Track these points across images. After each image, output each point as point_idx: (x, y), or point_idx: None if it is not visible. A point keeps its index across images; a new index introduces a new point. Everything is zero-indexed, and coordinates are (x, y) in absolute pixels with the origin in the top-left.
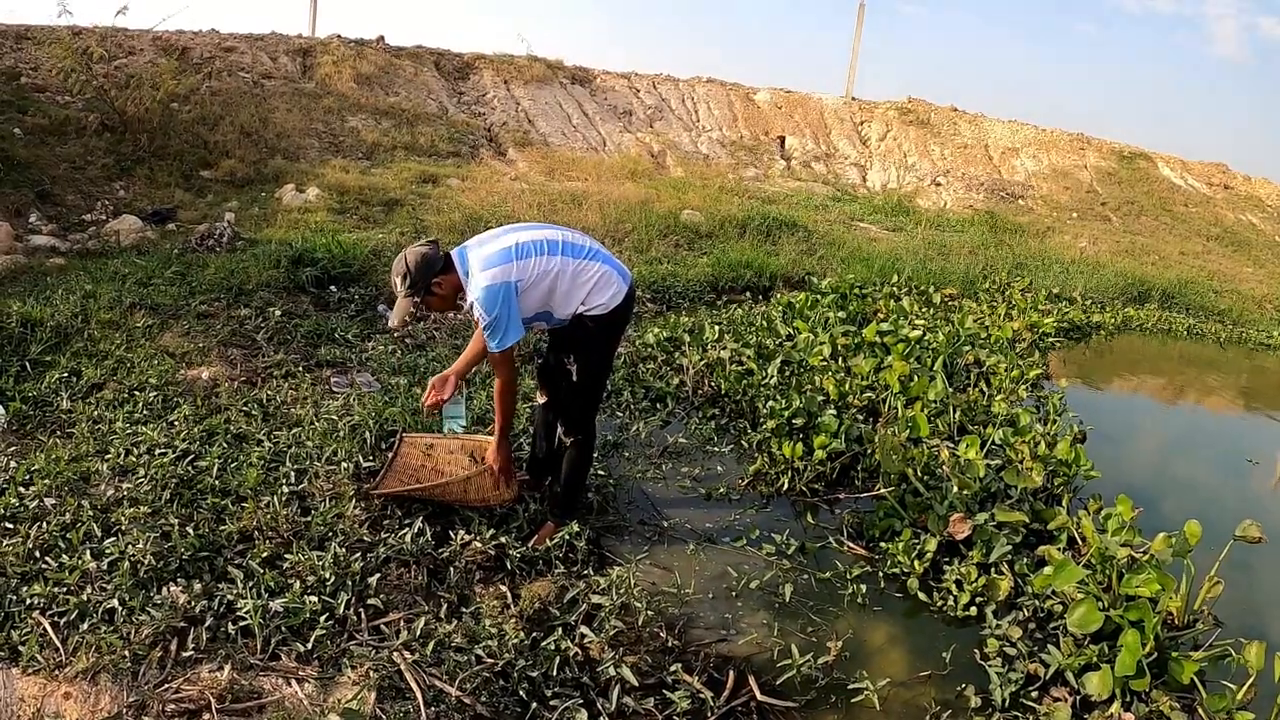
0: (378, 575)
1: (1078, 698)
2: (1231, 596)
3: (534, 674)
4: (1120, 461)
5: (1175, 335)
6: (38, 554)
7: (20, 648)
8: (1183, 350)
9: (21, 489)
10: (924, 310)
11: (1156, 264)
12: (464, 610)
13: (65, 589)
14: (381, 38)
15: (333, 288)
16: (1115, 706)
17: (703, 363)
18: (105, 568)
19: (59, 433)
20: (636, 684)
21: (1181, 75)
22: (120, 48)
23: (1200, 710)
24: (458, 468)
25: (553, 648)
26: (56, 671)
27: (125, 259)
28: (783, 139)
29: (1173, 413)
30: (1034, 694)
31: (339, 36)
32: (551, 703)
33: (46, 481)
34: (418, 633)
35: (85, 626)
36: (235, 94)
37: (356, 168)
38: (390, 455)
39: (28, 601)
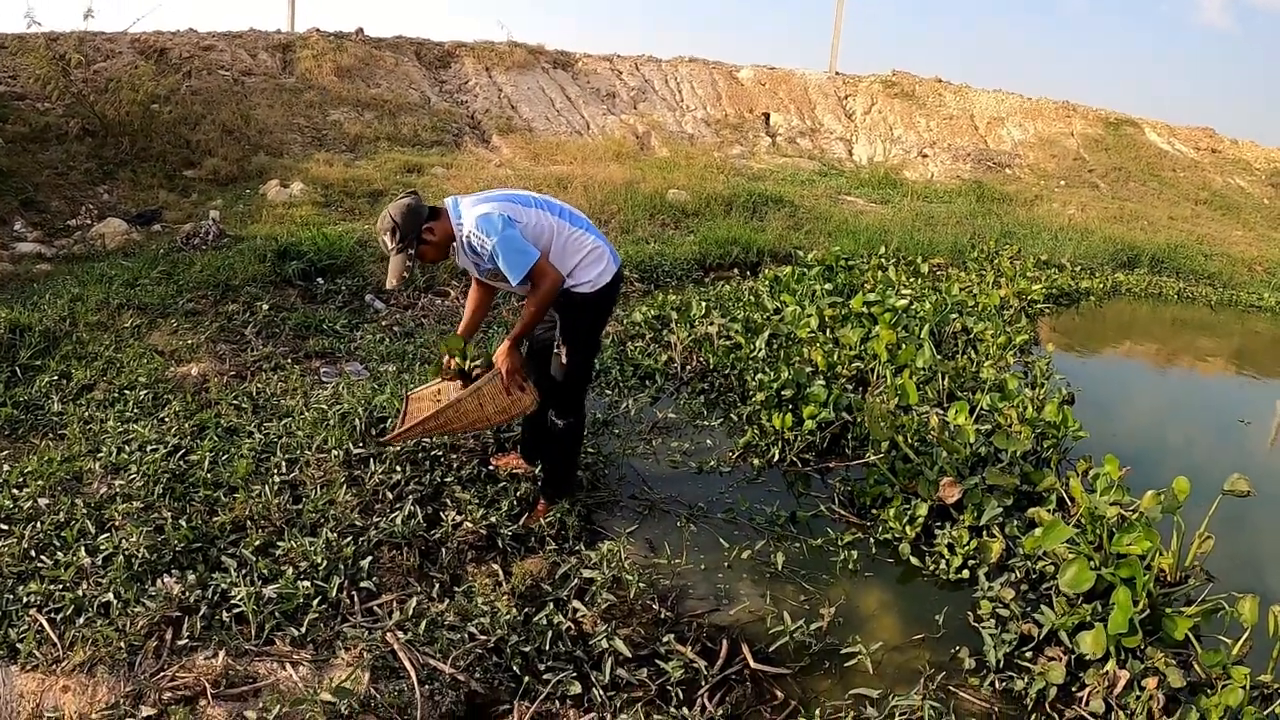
0: (370, 558)
1: (1072, 657)
2: (1223, 551)
3: (527, 649)
4: (1110, 424)
5: (1166, 299)
6: (33, 553)
7: (18, 645)
8: (1173, 314)
9: (15, 491)
10: (911, 280)
11: (1145, 229)
12: (456, 589)
13: (61, 586)
14: (360, 30)
15: (319, 280)
16: (1110, 664)
17: (691, 339)
18: (100, 563)
19: (51, 435)
20: (630, 655)
21: (1167, 44)
22: (98, 52)
23: (1195, 665)
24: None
25: (545, 623)
26: (54, 666)
27: (111, 261)
28: (767, 116)
29: (1163, 376)
30: (1028, 654)
31: (318, 30)
32: (545, 676)
33: (40, 482)
34: (410, 613)
35: (81, 621)
36: (216, 92)
37: (340, 161)
38: (401, 412)
39: (24, 600)
